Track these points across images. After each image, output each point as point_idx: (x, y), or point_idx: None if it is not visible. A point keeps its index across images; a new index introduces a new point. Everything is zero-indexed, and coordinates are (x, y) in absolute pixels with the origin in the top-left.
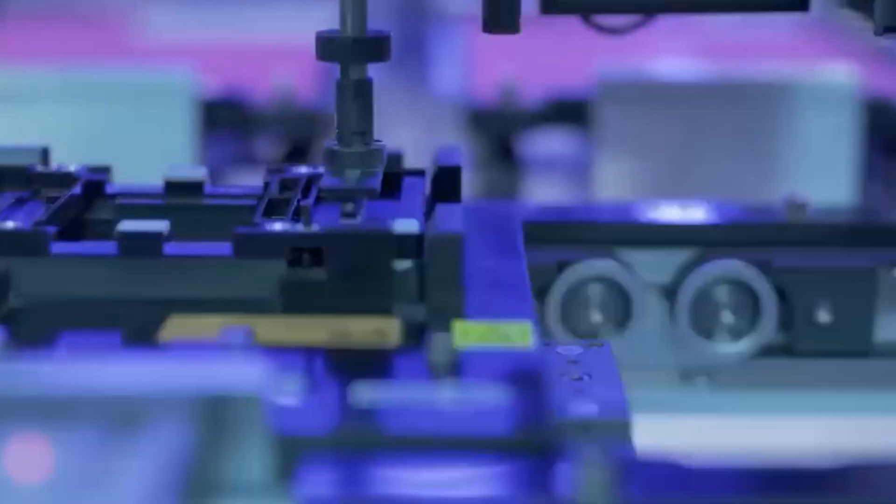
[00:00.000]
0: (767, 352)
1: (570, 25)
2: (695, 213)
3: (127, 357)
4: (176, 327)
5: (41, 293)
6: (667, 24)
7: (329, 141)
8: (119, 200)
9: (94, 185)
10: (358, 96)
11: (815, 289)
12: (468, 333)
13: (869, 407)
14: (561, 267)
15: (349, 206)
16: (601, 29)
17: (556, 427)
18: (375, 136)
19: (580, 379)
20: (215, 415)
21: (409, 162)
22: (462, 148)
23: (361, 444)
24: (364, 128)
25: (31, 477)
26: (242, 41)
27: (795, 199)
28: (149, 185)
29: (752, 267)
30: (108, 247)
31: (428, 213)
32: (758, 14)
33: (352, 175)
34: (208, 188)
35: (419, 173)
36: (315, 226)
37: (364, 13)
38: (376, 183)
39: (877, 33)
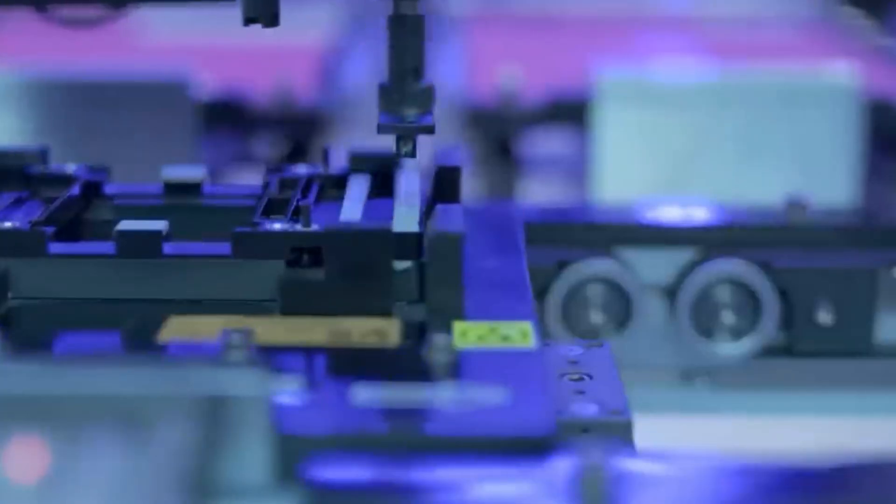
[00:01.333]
0: (768, 352)
1: (569, 25)
2: (695, 214)
3: (127, 357)
4: (176, 327)
5: (40, 293)
6: (666, 25)
7: (382, 80)
8: (118, 200)
9: (93, 185)
10: (413, 32)
11: (815, 289)
12: (468, 333)
13: (869, 407)
14: (561, 267)
15: (408, 146)
16: (66, 22)
17: (557, 427)
18: (375, 137)
19: (580, 379)
20: (215, 415)
21: None
22: (462, 148)
23: (361, 445)
24: (418, 64)
25: (30, 477)
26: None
27: (796, 199)
28: (148, 186)
29: (753, 267)
30: (107, 247)
31: (428, 213)
32: None
33: (408, 113)
34: (207, 188)
35: None
36: (314, 225)
37: None
38: (432, 120)
39: None
